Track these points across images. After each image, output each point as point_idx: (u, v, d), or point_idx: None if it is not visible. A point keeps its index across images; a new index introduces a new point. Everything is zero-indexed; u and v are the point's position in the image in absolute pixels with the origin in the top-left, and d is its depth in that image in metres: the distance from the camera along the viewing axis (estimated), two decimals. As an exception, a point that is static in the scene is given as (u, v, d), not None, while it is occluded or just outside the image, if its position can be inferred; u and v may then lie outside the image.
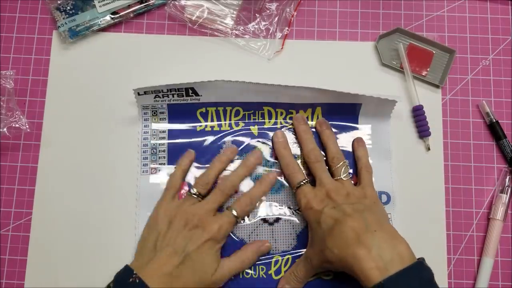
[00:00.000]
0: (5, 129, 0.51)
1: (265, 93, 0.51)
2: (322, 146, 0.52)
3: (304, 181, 0.49)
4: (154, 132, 0.53)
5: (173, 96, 0.51)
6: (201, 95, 0.51)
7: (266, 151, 0.53)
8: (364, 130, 0.54)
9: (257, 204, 0.51)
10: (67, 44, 0.56)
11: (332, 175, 0.50)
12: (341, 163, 0.50)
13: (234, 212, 0.49)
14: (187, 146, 0.53)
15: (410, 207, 0.53)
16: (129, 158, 0.53)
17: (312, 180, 0.50)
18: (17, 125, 0.51)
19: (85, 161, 0.53)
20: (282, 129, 0.53)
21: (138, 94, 0.50)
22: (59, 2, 0.55)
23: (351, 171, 0.52)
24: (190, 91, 0.51)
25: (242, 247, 0.50)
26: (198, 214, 0.47)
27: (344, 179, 0.49)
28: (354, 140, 0.53)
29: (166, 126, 0.53)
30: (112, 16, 0.55)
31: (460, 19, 0.57)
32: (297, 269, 0.49)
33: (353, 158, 0.53)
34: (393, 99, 0.51)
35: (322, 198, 0.47)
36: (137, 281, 0.42)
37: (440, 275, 0.51)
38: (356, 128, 0.54)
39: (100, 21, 0.55)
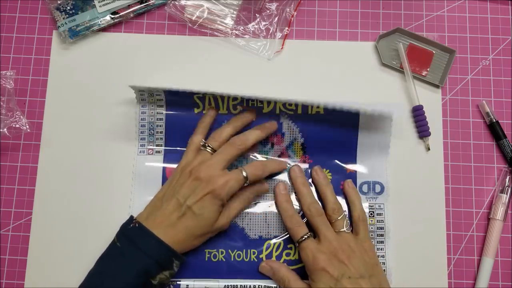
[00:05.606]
0: (5, 129, 0.51)
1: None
2: (318, 194, 0.52)
3: (307, 235, 0.48)
4: (152, 112, 0.53)
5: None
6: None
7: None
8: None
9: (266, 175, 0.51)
10: (67, 44, 0.56)
11: (333, 226, 0.49)
12: (342, 216, 0.49)
13: (244, 173, 0.48)
14: (184, 127, 0.53)
15: (410, 207, 0.53)
16: (129, 158, 0.53)
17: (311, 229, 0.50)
18: (17, 125, 0.52)
19: (85, 161, 0.53)
20: (282, 119, 0.53)
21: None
22: (59, 2, 0.55)
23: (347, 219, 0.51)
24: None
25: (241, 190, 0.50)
26: (205, 164, 0.47)
27: (346, 232, 0.48)
28: (344, 182, 0.53)
29: (163, 108, 0.53)
30: (112, 16, 0.55)
31: (460, 19, 0.57)
32: None
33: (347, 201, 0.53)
34: (388, 115, 0.50)
35: (329, 257, 0.46)
36: (137, 225, 0.46)
37: (440, 275, 0.51)
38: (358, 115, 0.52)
39: (100, 21, 0.55)
